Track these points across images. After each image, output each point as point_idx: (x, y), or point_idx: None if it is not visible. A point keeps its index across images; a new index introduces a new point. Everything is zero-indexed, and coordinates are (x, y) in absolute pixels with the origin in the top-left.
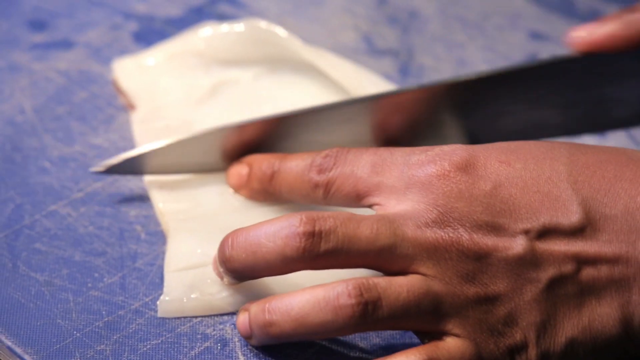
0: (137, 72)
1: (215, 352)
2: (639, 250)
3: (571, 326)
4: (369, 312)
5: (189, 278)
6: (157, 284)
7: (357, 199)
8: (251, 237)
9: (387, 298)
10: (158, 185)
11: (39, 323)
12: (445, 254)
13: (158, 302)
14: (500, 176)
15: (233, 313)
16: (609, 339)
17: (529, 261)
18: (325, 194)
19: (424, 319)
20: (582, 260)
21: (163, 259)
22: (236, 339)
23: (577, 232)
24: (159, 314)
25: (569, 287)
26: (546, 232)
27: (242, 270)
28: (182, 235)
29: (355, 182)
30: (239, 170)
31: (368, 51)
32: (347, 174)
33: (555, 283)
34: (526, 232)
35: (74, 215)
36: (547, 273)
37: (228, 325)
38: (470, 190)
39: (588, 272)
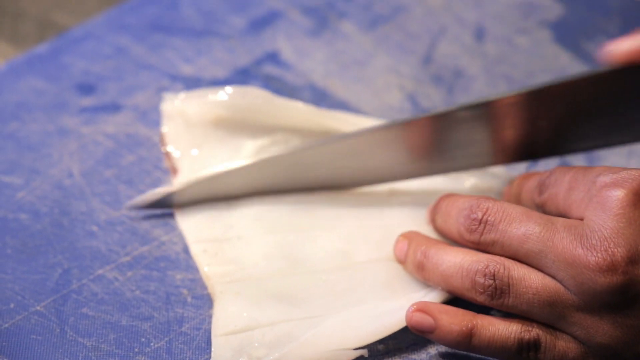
0: (184, 132)
1: None
2: None
3: None
4: (495, 296)
5: (237, 342)
6: (204, 348)
7: (563, 216)
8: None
9: (515, 292)
10: (203, 249)
11: None
12: (590, 280)
13: None
14: None
15: None
16: None
17: None
18: None
19: (547, 319)
20: None
21: (209, 323)
22: None
23: None
24: None
25: None
26: None
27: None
28: (228, 298)
29: (557, 203)
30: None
31: (413, 111)
32: (554, 194)
33: None
34: None
35: (121, 279)
36: None
37: None
38: None
39: None
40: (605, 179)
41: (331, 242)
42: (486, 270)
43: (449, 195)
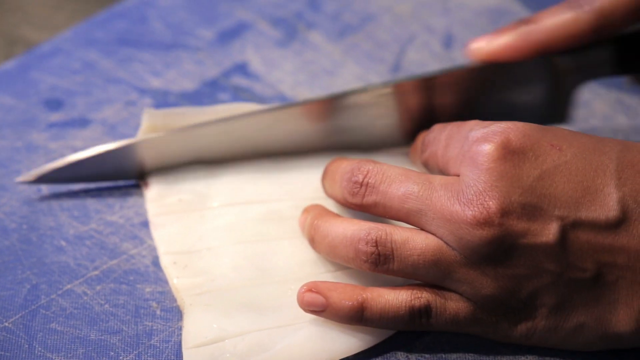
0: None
1: None
2: None
3: (585, 313)
4: (380, 263)
5: (208, 354)
6: None
7: (443, 173)
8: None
9: (399, 256)
10: (173, 261)
11: None
12: (468, 234)
13: None
14: (548, 161)
15: None
16: (621, 334)
17: (557, 250)
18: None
19: (434, 279)
20: (608, 256)
21: (179, 336)
22: None
23: (611, 227)
24: None
25: (592, 279)
26: (580, 224)
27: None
28: (198, 310)
29: (436, 160)
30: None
31: None
32: (433, 152)
33: (577, 273)
34: (561, 220)
35: (90, 293)
36: (572, 263)
37: None
38: (516, 171)
39: (613, 269)
40: (476, 134)
41: (301, 252)
42: (368, 237)
43: (335, 160)
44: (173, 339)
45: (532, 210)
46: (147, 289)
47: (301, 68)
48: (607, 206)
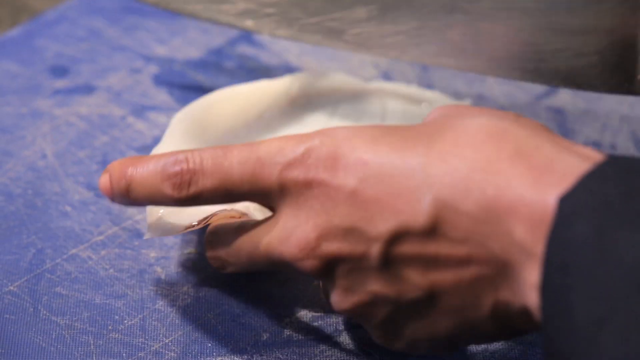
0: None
1: None
2: (490, 249)
3: (416, 328)
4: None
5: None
6: (178, 325)
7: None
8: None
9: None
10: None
11: None
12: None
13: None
14: (359, 174)
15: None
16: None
17: (386, 268)
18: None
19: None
20: (436, 263)
21: (183, 300)
22: None
23: (428, 233)
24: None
25: (424, 292)
26: (398, 237)
27: None
28: None
29: (228, 192)
30: (103, 178)
31: None
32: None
33: (411, 293)
34: (379, 238)
35: (95, 258)
36: (402, 279)
37: None
38: (331, 195)
39: (440, 275)
40: (282, 159)
41: None
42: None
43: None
44: (177, 304)
45: (353, 232)
46: (152, 254)
47: None
48: (419, 211)
